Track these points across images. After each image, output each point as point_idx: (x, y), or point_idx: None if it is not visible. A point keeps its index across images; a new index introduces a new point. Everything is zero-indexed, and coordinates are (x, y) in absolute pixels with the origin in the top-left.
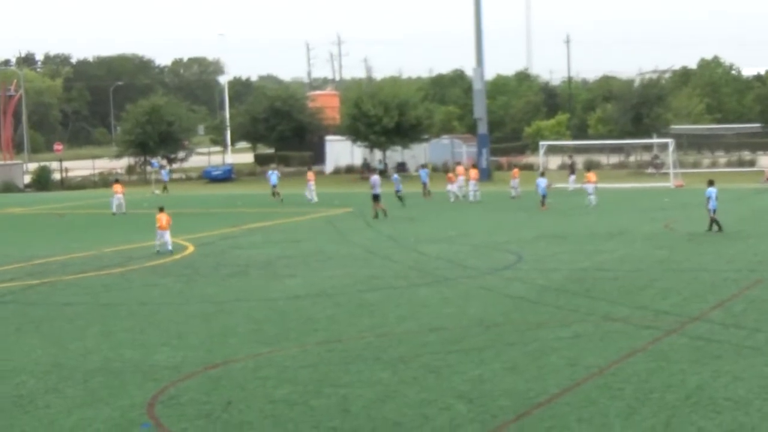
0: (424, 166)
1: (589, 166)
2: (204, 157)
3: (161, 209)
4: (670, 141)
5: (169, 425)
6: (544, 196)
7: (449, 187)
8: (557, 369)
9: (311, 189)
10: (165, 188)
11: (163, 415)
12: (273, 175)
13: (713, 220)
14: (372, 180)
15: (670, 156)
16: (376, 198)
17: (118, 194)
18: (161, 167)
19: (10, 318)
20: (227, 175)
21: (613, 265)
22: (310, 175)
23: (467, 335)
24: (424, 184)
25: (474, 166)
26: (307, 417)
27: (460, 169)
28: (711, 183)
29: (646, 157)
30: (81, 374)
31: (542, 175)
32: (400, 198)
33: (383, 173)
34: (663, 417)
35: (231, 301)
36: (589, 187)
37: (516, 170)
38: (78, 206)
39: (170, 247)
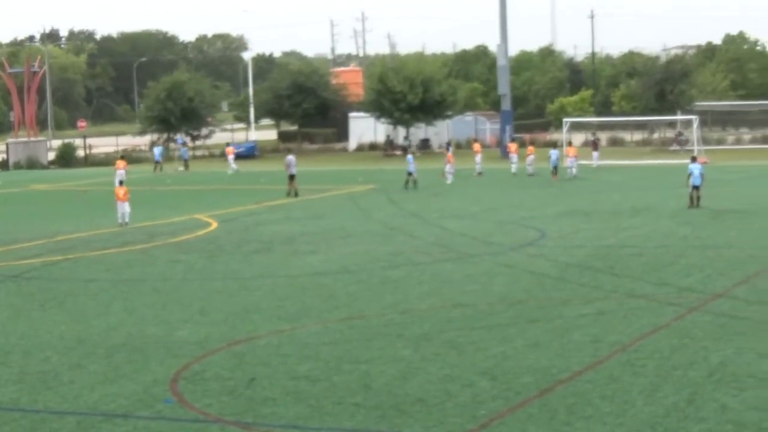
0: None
1: (567, 142)
2: (227, 134)
3: (120, 183)
4: (694, 118)
5: (193, 401)
6: (555, 167)
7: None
8: (580, 346)
9: (231, 162)
10: (186, 166)
11: (187, 391)
12: (158, 150)
13: (693, 197)
14: (287, 160)
15: (694, 133)
16: (291, 178)
17: (120, 170)
18: (183, 144)
19: (35, 294)
20: (251, 152)
21: (637, 241)
22: (230, 149)
23: (490, 312)
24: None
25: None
26: (329, 393)
27: (477, 146)
28: (693, 159)
29: (670, 133)
30: (104, 350)
31: (555, 147)
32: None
33: (407, 150)
34: (686, 394)
35: (254, 278)
36: (570, 160)
37: (531, 147)
38: (101, 183)
39: (127, 219)
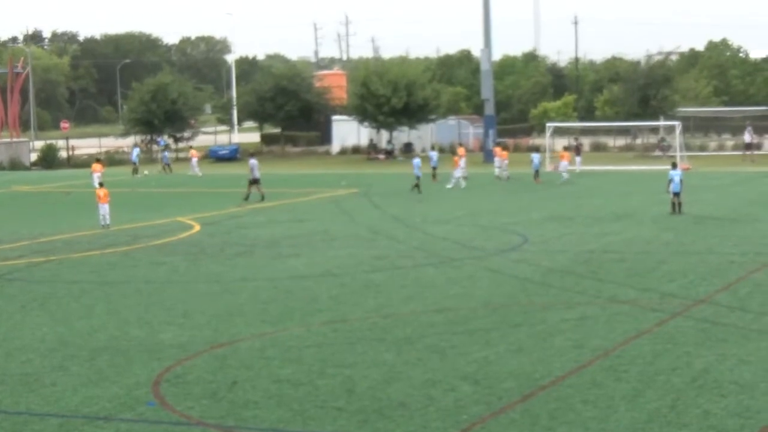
0: (433, 148)
1: (568, 148)
2: (210, 136)
3: (101, 184)
4: (677, 123)
5: (175, 404)
6: (537, 170)
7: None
8: (563, 351)
9: (194, 165)
10: (167, 168)
11: (169, 393)
12: (135, 151)
13: (675, 203)
14: (251, 163)
15: (677, 138)
16: (255, 181)
17: (96, 173)
18: (166, 146)
19: (17, 295)
20: (233, 155)
21: (620, 247)
22: (193, 152)
23: (473, 316)
24: (434, 168)
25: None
26: (312, 397)
27: (462, 150)
28: (674, 166)
29: (653, 139)
30: (87, 352)
31: (536, 150)
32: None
33: (390, 154)
34: (668, 400)
35: (236, 281)
36: (563, 164)
37: (505, 153)
38: (84, 184)
39: (108, 221)
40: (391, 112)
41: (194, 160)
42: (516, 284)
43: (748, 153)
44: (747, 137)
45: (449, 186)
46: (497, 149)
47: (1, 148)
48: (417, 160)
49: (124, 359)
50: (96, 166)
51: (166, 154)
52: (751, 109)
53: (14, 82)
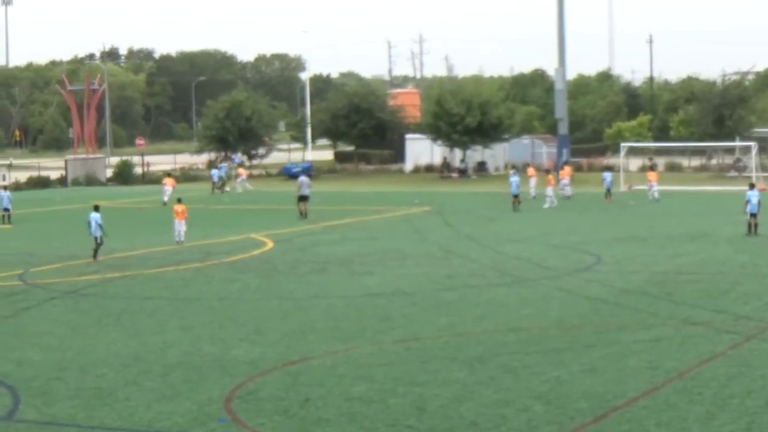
0: (512, 167)
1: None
2: (284, 154)
3: (179, 200)
4: (753, 144)
5: (247, 420)
6: (608, 189)
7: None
8: (636, 372)
9: (244, 181)
10: (223, 185)
11: (241, 410)
12: (219, 170)
13: (751, 224)
14: (300, 181)
15: (753, 159)
16: (303, 198)
17: (167, 186)
18: (241, 164)
19: (92, 311)
20: (306, 173)
21: (694, 268)
22: (242, 171)
23: (545, 336)
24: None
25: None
26: (383, 415)
27: (531, 170)
28: (752, 186)
29: (729, 160)
30: (160, 368)
31: (608, 169)
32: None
33: (464, 172)
34: (743, 423)
35: (309, 298)
36: (651, 185)
37: (563, 171)
38: (158, 200)
39: (182, 238)
40: (465, 131)
41: (242, 177)
42: (589, 305)
43: None
44: None
45: (555, 205)
46: (564, 170)
47: (77, 164)
48: (515, 179)
49: (197, 375)
50: (168, 180)
51: (217, 171)
52: None
53: (91, 98)
